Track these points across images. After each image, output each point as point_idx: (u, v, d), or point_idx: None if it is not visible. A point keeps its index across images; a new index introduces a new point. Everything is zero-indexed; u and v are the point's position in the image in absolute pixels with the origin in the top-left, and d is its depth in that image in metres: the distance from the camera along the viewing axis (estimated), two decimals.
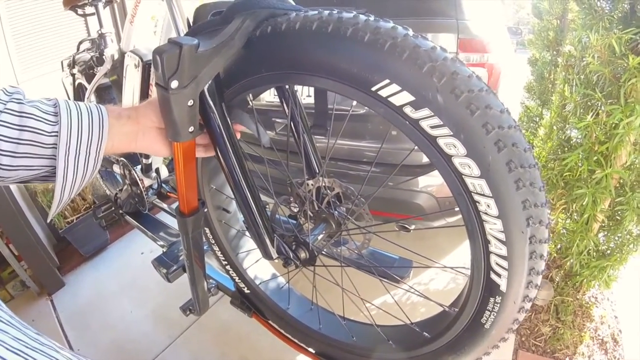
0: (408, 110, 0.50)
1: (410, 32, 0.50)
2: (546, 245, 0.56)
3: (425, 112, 0.49)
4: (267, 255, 0.78)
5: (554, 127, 1.74)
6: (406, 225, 1.61)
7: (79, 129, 0.53)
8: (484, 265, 0.58)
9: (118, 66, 1.14)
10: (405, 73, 0.48)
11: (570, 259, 1.55)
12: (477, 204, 0.53)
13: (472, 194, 0.52)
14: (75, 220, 2.50)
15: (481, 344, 0.68)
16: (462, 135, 0.48)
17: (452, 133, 0.48)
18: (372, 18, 0.52)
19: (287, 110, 0.78)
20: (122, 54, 1.12)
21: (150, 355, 1.79)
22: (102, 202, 1.62)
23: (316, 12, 0.55)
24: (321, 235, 0.82)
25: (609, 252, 1.49)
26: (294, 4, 0.64)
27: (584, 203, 1.45)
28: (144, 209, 1.35)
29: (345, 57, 0.51)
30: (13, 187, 2.39)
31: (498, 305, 0.61)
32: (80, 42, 1.55)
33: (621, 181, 1.34)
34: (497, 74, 1.51)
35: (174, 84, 0.52)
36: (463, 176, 0.51)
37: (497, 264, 0.57)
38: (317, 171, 0.82)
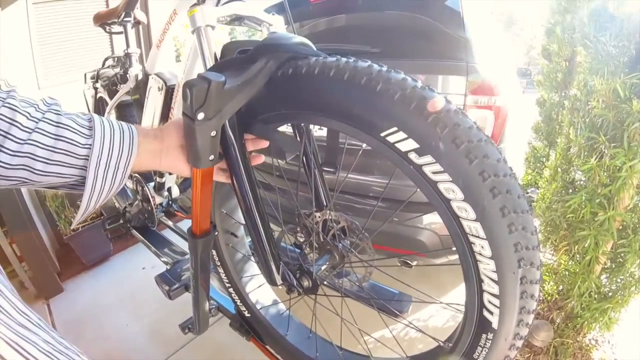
0: (413, 156, 0.54)
1: (419, 84, 0.54)
2: (537, 285, 0.59)
3: (428, 159, 0.53)
4: (271, 281, 0.81)
5: (559, 170, 1.76)
6: (408, 261, 1.62)
7: (111, 143, 0.56)
8: (477, 302, 0.62)
9: (141, 86, 1.19)
10: (411, 122, 0.52)
11: (572, 300, 1.55)
12: (472, 244, 0.56)
13: (468, 235, 0.56)
14: (80, 229, 2.52)
15: None
16: (461, 182, 0.52)
17: (451, 179, 0.53)
18: (384, 68, 0.56)
19: (301, 143, 0.82)
20: (146, 75, 1.17)
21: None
22: (112, 214, 1.64)
23: (334, 59, 0.59)
24: (324, 266, 0.84)
25: (610, 294, 1.48)
26: (315, 49, 0.68)
27: (586, 245, 1.46)
28: (152, 225, 1.37)
29: (359, 104, 0.55)
30: (24, 190, 2.43)
31: (490, 341, 0.64)
32: (106, 59, 1.62)
33: (624, 224, 1.36)
34: (504, 116, 1.55)
35: (200, 115, 0.56)
36: (460, 219, 0.55)
37: (489, 302, 0.60)
38: (325, 204, 0.85)
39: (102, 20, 1.47)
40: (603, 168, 1.38)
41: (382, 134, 0.55)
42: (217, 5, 0.80)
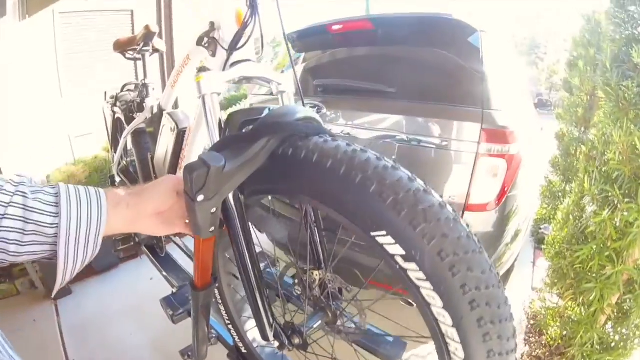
0: (399, 259, 0.56)
1: (414, 187, 0.55)
2: None
3: (413, 266, 0.54)
4: (264, 337, 0.83)
5: (571, 216, 1.74)
6: (410, 300, 1.62)
7: (78, 219, 0.57)
8: None
9: (156, 120, 1.23)
10: (400, 229, 0.54)
11: (573, 349, 1.53)
12: (448, 344, 0.58)
13: (444, 335, 0.58)
14: None
15: None
16: (441, 291, 0.54)
17: (432, 288, 0.54)
18: (382, 164, 0.57)
19: (302, 210, 0.84)
20: (160, 111, 1.20)
21: None
22: (123, 237, 1.68)
23: (334, 146, 0.60)
24: (317, 324, 0.86)
25: (613, 344, 1.46)
26: (319, 125, 0.70)
27: (591, 298, 1.44)
28: (160, 253, 1.40)
29: (351, 201, 0.57)
30: None
31: None
32: (124, 85, 1.66)
33: (631, 278, 1.33)
34: (517, 165, 1.53)
35: (200, 197, 0.59)
36: (438, 321, 0.57)
37: None
38: (322, 265, 0.87)
39: (122, 48, 1.52)
40: (615, 222, 1.36)
41: (372, 234, 0.56)
42: (224, 68, 0.83)
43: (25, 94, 2.48)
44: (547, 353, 1.79)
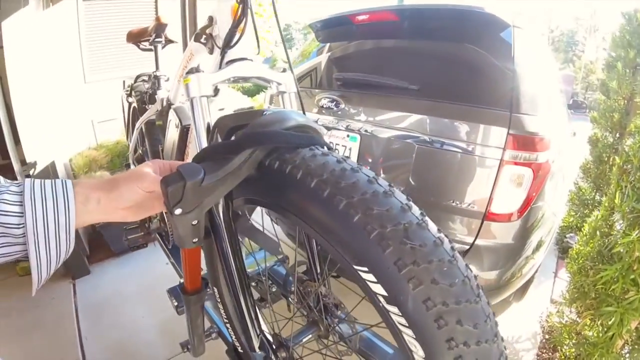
0: (381, 299, 0.50)
1: (406, 219, 0.49)
2: None
3: (395, 310, 0.48)
4: (250, 346, 0.82)
5: (597, 232, 1.64)
6: None
7: (44, 218, 0.55)
8: None
9: (164, 115, 1.21)
10: (384, 269, 0.47)
11: None
12: None
13: None
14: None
15: None
16: (424, 343, 0.48)
17: (415, 337, 0.48)
18: (372, 190, 0.51)
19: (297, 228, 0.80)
20: (169, 105, 1.19)
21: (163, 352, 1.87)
22: (134, 227, 1.71)
23: (321, 162, 0.55)
24: (307, 338, 0.83)
25: None
26: (316, 132, 0.65)
27: (610, 321, 1.36)
28: (168, 245, 1.41)
29: (334, 228, 0.51)
30: (62, 175, 2.58)
31: None
32: (138, 76, 1.67)
33: None
34: (544, 175, 1.43)
35: (178, 211, 0.56)
36: None
37: None
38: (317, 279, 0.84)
39: (134, 39, 1.52)
40: None
41: (355, 267, 0.51)
42: (220, 67, 0.79)
43: (49, 81, 2.54)
44: None
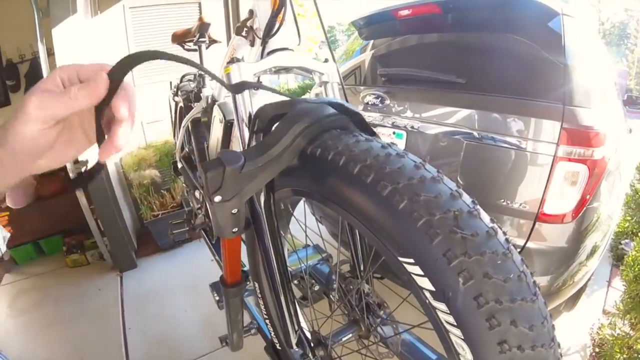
0: (427, 295, 0.46)
1: (457, 207, 0.45)
2: None
3: (443, 307, 0.44)
4: (287, 342, 0.80)
5: None
6: None
7: None
8: None
9: (209, 111, 1.24)
10: (431, 260, 0.44)
11: None
12: None
13: None
14: (160, 215, 2.77)
15: None
16: (473, 345, 0.43)
17: (462, 337, 0.44)
18: (419, 175, 0.48)
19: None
20: (213, 101, 1.21)
21: (187, 357, 1.91)
22: (179, 220, 1.76)
23: (365, 147, 0.53)
24: (346, 337, 0.80)
25: None
26: (359, 119, 0.63)
27: None
28: (212, 240, 1.43)
29: (378, 217, 0.48)
30: (112, 173, 2.72)
31: None
32: (183, 76, 1.72)
33: None
34: (600, 172, 1.33)
35: (217, 198, 0.56)
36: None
37: None
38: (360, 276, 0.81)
39: (179, 39, 1.57)
40: None
41: (400, 259, 0.47)
42: (261, 56, 0.78)
43: None
44: None
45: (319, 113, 0.60)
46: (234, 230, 0.63)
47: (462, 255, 0.42)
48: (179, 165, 1.81)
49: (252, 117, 0.67)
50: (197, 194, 1.52)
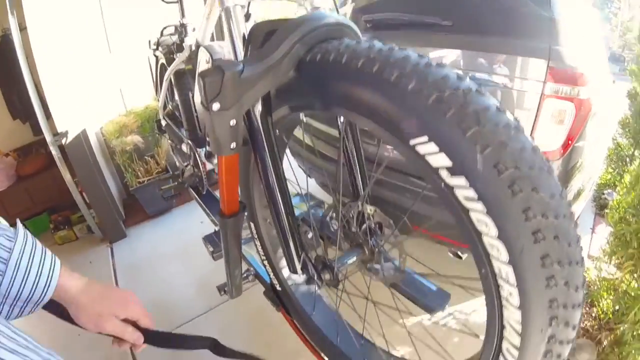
0: (444, 174, 0.46)
1: (464, 86, 0.45)
2: (567, 346, 0.50)
3: (462, 181, 0.44)
4: (292, 268, 0.80)
5: None
6: (459, 253, 1.54)
7: (21, 286, 0.57)
8: (495, 345, 0.55)
9: (194, 57, 1.20)
10: (446, 133, 0.44)
11: (624, 325, 1.41)
12: (500, 288, 0.48)
13: (497, 276, 0.47)
14: (146, 182, 2.73)
15: None
16: (497, 216, 0.43)
17: (485, 210, 0.44)
18: (424, 61, 0.48)
19: (340, 131, 0.78)
20: (197, 46, 1.18)
21: (184, 319, 1.93)
22: (166, 177, 1.74)
23: (367, 45, 0.52)
24: (351, 261, 0.81)
25: None
26: (354, 30, 0.63)
27: None
28: (202, 190, 1.42)
29: (387, 103, 0.48)
30: (94, 143, 2.65)
31: None
32: (164, 28, 1.66)
33: None
34: (586, 111, 1.36)
35: (216, 106, 0.55)
36: (490, 256, 0.47)
37: (508, 350, 0.53)
38: (360, 194, 0.82)
39: None
40: None
41: (412, 142, 0.47)
42: None
43: (75, 54, 2.58)
44: (596, 326, 1.68)
45: (317, 22, 0.59)
46: (232, 145, 0.62)
47: (476, 125, 0.43)
48: (163, 123, 1.77)
49: (247, 36, 0.66)
50: (184, 147, 1.49)
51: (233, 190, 0.76)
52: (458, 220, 0.48)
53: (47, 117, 2.37)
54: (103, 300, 0.64)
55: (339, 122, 0.75)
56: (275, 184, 0.71)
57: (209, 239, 1.47)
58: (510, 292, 0.46)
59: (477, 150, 0.42)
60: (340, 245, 0.83)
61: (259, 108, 0.66)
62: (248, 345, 1.75)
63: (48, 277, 0.58)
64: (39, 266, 0.58)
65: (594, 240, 2.24)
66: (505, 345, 0.52)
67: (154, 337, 0.71)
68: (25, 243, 0.58)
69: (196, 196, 1.71)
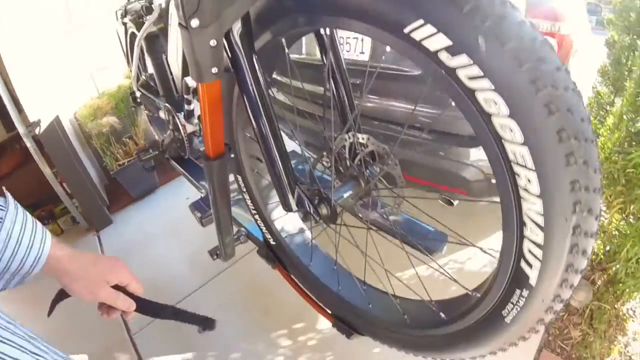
0: (444, 56, 0.44)
1: None
2: (592, 240, 0.48)
3: (463, 59, 0.42)
4: (286, 206, 0.76)
5: (624, 117, 1.58)
6: (450, 199, 1.52)
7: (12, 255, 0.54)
8: (516, 250, 0.52)
9: (164, 14, 1.15)
10: (442, 12, 0.42)
11: (617, 264, 1.44)
12: (517, 176, 0.46)
13: (512, 163, 0.45)
14: (126, 163, 2.64)
15: (497, 338, 0.62)
16: (506, 91, 0.41)
17: (493, 87, 0.42)
18: None
19: (325, 60, 0.75)
20: (168, 2, 1.12)
21: (181, 295, 1.90)
22: (146, 147, 1.68)
23: None
24: (348, 194, 0.79)
25: None
26: None
27: None
28: (184, 155, 1.38)
29: None
30: (68, 129, 2.55)
31: (524, 299, 0.54)
32: None
33: None
34: (568, 47, 1.37)
35: (194, 22, 0.51)
36: (503, 141, 0.45)
37: (530, 251, 0.50)
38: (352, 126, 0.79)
39: None
40: None
41: (406, 30, 0.45)
42: None
43: (40, 39, 2.48)
44: (589, 268, 1.72)
45: None
46: (213, 70, 0.58)
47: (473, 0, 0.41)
48: (138, 94, 1.70)
49: None
50: (161, 114, 1.44)
51: (217, 127, 0.71)
52: (463, 108, 0.46)
53: (19, 111, 2.27)
54: (93, 267, 0.63)
55: (324, 36, 0.72)
56: (262, 112, 0.67)
57: (196, 206, 1.43)
58: (528, 179, 0.44)
59: (476, 25, 0.41)
60: (335, 174, 0.80)
61: (239, 29, 0.62)
62: (246, 315, 1.73)
63: (40, 247, 0.56)
64: (31, 236, 0.55)
65: None
66: (526, 246, 0.50)
67: (144, 306, 0.70)
68: (17, 212, 0.55)
69: (178, 166, 1.66)
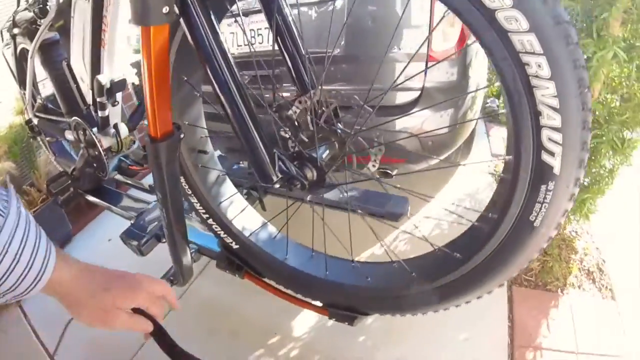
0: None
1: None
2: (590, 114, 0.51)
3: None
4: (266, 177, 0.66)
5: None
6: (388, 170, 1.53)
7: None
8: (534, 145, 0.52)
9: (65, 8, 0.98)
10: None
11: None
12: (526, 66, 0.47)
13: (520, 54, 0.47)
14: (32, 213, 2.26)
15: (527, 249, 0.60)
16: None
17: None
18: None
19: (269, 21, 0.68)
20: None
21: (134, 343, 1.63)
22: (55, 176, 1.45)
23: None
24: (326, 153, 0.72)
25: (586, 184, 1.50)
26: None
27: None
28: (104, 175, 1.17)
29: None
30: None
31: (550, 193, 0.53)
32: (15, 12, 1.34)
33: (596, 115, 1.34)
34: None
35: None
36: (509, 33, 0.46)
37: (549, 139, 0.50)
38: (312, 86, 0.72)
39: None
40: None
41: None
42: None
43: None
44: None
45: None
46: (164, 9, 0.48)
47: None
48: (36, 121, 1.46)
49: None
50: (68, 135, 1.23)
51: (164, 93, 0.58)
52: (466, 19, 0.49)
53: None
54: (104, 294, 0.53)
55: None
56: (224, 65, 0.57)
57: (129, 234, 1.23)
58: (538, 64, 0.46)
59: None
60: (310, 139, 0.72)
61: None
62: (212, 341, 1.55)
63: (40, 269, 0.45)
64: (32, 253, 0.45)
65: (492, 142, 2.53)
66: (545, 135, 0.50)
67: (160, 336, 0.60)
68: (19, 220, 0.44)
69: (97, 199, 1.46)
